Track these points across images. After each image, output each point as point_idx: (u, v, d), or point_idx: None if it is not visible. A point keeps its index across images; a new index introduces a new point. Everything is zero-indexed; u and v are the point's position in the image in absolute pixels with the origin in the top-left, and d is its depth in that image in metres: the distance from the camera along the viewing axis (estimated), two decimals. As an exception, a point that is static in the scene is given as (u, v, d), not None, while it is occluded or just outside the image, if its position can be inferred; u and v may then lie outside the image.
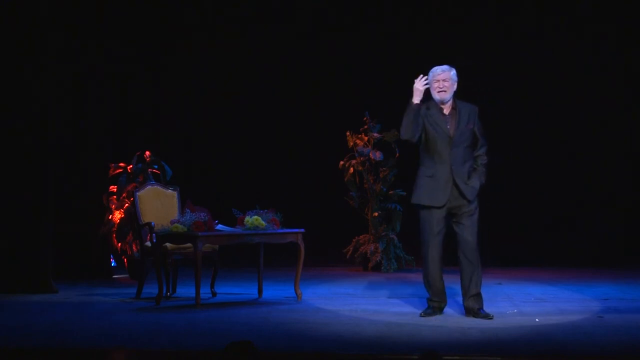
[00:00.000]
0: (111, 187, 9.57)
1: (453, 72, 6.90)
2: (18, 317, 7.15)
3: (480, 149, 6.94)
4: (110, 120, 10.03)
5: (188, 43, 11.22)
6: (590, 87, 11.00)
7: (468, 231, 6.84)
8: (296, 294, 7.94)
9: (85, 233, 9.59)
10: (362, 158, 10.34)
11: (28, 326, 6.66)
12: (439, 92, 6.86)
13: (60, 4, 9.01)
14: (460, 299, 7.05)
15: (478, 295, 6.89)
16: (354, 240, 10.46)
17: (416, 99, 6.76)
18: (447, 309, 7.06)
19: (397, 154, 10.25)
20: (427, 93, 6.91)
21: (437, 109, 6.87)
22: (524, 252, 10.83)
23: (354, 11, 11.20)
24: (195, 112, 11.36)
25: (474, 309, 6.85)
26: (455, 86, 6.90)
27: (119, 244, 9.40)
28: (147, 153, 9.59)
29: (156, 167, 9.55)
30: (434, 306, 6.97)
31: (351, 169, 10.39)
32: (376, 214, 10.38)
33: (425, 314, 6.93)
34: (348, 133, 10.37)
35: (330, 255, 10.58)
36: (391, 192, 10.41)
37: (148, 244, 7.96)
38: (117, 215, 9.40)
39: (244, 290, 8.58)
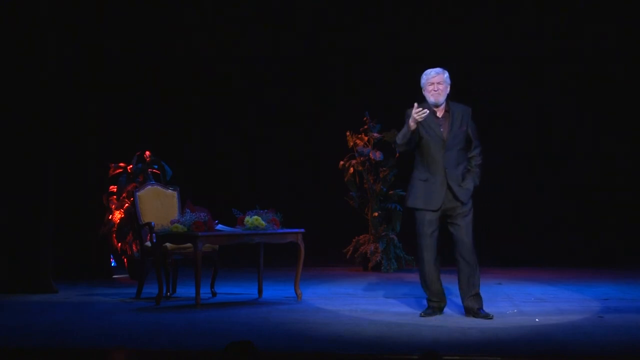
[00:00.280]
0: (111, 187, 9.58)
1: (446, 74, 6.90)
2: (18, 317, 7.15)
3: (474, 150, 6.95)
4: (110, 120, 10.02)
5: (188, 43, 11.22)
6: (590, 87, 11.00)
7: (463, 232, 6.85)
8: (296, 294, 7.94)
9: (85, 233, 9.59)
10: (362, 158, 10.34)
11: (28, 326, 6.66)
12: (433, 94, 6.85)
13: (60, 4, 9.01)
14: (459, 299, 7.04)
15: (477, 295, 6.89)
16: (354, 240, 10.46)
17: (412, 125, 6.73)
18: (447, 309, 7.06)
19: (397, 154, 10.25)
20: (421, 95, 6.93)
21: (431, 112, 6.87)
22: (524, 252, 10.83)
23: (354, 11, 11.20)
24: (195, 112, 11.36)
25: (473, 309, 6.86)
26: (448, 89, 6.90)
27: (119, 244, 9.40)
28: (147, 153, 9.59)
29: (156, 167, 9.55)
30: (434, 306, 6.97)
31: (351, 169, 10.39)
32: (376, 214, 10.38)
33: (425, 314, 6.94)
34: (348, 133, 10.37)
35: (330, 255, 10.58)
36: (391, 192, 10.41)
37: (148, 244, 7.96)
38: (117, 215, 9.40)
39: (244, 290, 8.58)
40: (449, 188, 6.81)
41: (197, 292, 7.51)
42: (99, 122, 9.84)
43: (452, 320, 6.77)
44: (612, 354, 5.64)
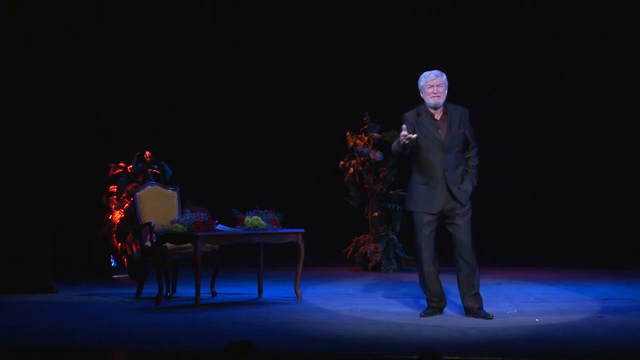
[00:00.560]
0: (111, 187, 9.58)
1: (445, 77, 6.91)
2: (18, 317, 7.15)
3: (471, 151, 6.95)
4: (110, 120, 10.03)
5: (188, 43, 11.23)
6: (590, 87, 11.01)
7: (462, 231, 6.84)
8: (296, 294, 7.94)
9: (85, 233, 9.59)
10: (362, 158, 10.34)
11: (28, 326, 6.66)
12: (432, 97, 6.85)
13: (60, 4, 9.01)
14: (459, 299, 7.04)
15: (477, 295, 6.89)
16: (354, 240, 10.46)
17: (400, 143, 6.74)
18: (447, 309, 7.06)
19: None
20: (419, 97, 6.93)
21: (428, 114, 6.87)
22: (524, 252, 10.83)
23: (354, 11, 11.20)
24: (195, 112, 11.37)
25: (473, 309, 6.86)
26: (446, 91, 6.90)
27: (119, 244, 9.40)
28: (147, 153, 9.59)
29: (156, 167, 9.55)
30: (434, 306, 6.97)
31: (351, 169, 10.39)
32: (376, 214, 10.38)
33: (425, 314, 6.94)
34: (348, 133, 10.37)
35: (330, 255, 10.58)
36: (391, 192, 10.41)
37: (148, 244, 7.96)
38: (117, 215, 9.40)
39: (244, 290, 8.58)
40: (449, 191, 6.82)
41: (197, 292, 7.51)
42: (99, 122, 9.84)
43: (452, 320, 6.77)
44: (612, 354, 5.64)
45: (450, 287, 7.23)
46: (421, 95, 6.91)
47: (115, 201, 9.48)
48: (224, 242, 7.80)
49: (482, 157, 7.01)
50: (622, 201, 10.99)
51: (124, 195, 9.42)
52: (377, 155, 10.21)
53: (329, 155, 10.61)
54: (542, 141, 11.12)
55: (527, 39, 11.00)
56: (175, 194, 8.44)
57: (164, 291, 7.90)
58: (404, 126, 6.69)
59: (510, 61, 10.98)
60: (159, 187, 8.46)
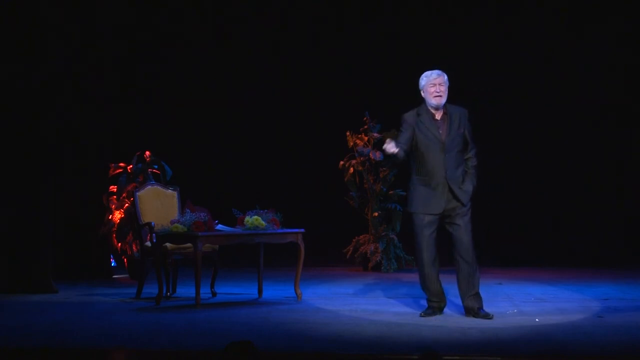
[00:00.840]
0: (111, 187, 9.58)
1: (446, 77, 6.91)
2: (18, 317, 7.15)
3: (470, 152, 6.95)
4: (110, 121, 10.02)
5: (188, 43, 11.23)
6: (590, 87, 11.01)
7: (462, 231, 6.84)
8: (296, 294, 7.94)
9: (85, 233, 9.59)
10: (362, 158, 10.34)
11: (28, 326, 6.66)
12: (435, 97, 6.85)
13: (60, 4, 9.01)
14: (459, 299, 7.04)
15: (477, 295, 6.89)
16: (354, 240, 10.46)
17: (388, 151, 6.73)
18: (447, 309, 7.06)
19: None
20: (419, 97, 6.94)
21: (429, 114, 6.87)
22: (524, 252, 10.84)
23: (354, 11, 11.20)
24: (195, 112, 11.36)
25: (473, 309, 6.85)
26: (447, 91, 6.90)
27: (119, 244, 9.40)
28: (147, 153, 9.59)
29: (156, 167, 9.55)
30: (434, 306, 6.97)
31: (351, 169, 10.39)
32: (376, 214, 10.38)
33: (425, 314, 6.94)
34: (348, 133, 10.38)
35: (330, 255, 10.58)
36: (391, 192, 10.42)
37: (148, 244, 7.96)
38: (117, 215, 9.40)
39: (244, 290, 8.58)
40: (450, 190, 6.81)
41: (197, 292, 7.51)
42: (99, 122, 9.83)
43: (452, 320, 6.77)
44: (612, 354, 5.64)
45: (450, 287, 7.22)
46: (422, 94, 6.91)
47: (115, 201, 9.48)
48: (224, 242, 7.80)
49: (482, 157, 7.01)
50: (622, 201, 11.00)
51: (124, 195, 9.42)
52: (377, 155, 10.21)
53: (329, 155, 10.61)
54: (542, 141, 11.13)
55: (527, 39, 11.00)
56: (175, 194, 8.44)
57: (164, 291, 7.90)
58: (387, 140, 6.70)
59: (510, 61, 10.98)
60: (159, 187, 8.46)
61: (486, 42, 10.99)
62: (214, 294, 8.20)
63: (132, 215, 8.65)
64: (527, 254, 10.80)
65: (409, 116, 6.90)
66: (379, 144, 10.31)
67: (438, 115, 6.89)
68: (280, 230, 7.80)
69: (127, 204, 9.32)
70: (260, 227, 7.67)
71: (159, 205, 8.26)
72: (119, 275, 9.83)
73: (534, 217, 11.11)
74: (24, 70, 8.59)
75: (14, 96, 8.60)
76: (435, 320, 6.78)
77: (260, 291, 8.17)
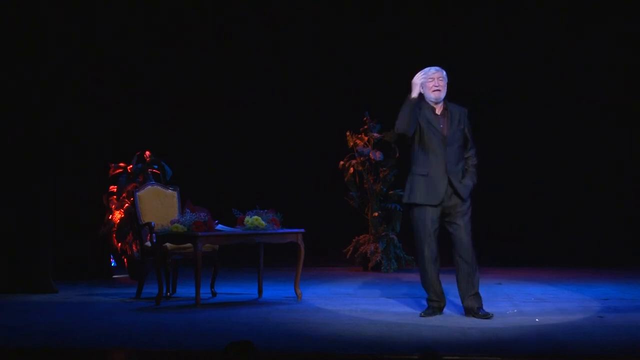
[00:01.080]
0: (111, 187, 9.58)
1: (444, 73, 6.94)
2: (18, 317, 7.15)
3: (470, 151, 6.97)
4: (110, 121, 10.02)
5: (188, 43, 11.23)
6: (590, 87, 11.01)
7: (462, 231, 6.84)
8: (296, 294, 7.94)
9: (85, 233, 9.59)
10: (362, 158, 10.34)
11: (28, 326, 6.66)
12: (434, 91, 6.87)
13: (60, 4, 9.01)
14: (459, 299, 7.03)
15: (477, 295, 6.89)
16: (354, 240, 10.46)
17: (414, 92, 6.78)
18: (447, 309, 7.06)
19: (398, 154, 10.25)
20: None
21: (430, 109, 6.88)
22: (524, 252, 10.84)
23: (354, 11, 11.20)
24: (195, 112, 11.36)
25: (473, 309, 6.85)
26: (446, 87, 6.91)
27: (119, 244, 9.40)
28: (147, 153, 9.59)
29: (156, 167, 9.55)
30: (434, 306, 6.97)
31: (351, 169, 10.39)
32: (376, 214, 10.38)
33: (425, 314, 6.93)
34: (348, 133, 10.38)
35: (330, 255, 10.58)
36: (391, 192, 10.41)
37: (148, 244, 7.96)
38: (117, 215, 9.40)
39: (244, 290, 8.58)
40: (450, 183, 6.82)
41: (197, 292, 7.51)
42: (99, 122, 9.83)
43: (452, 320, 6.76)
44: (612, 354, 5.63)
45: (450, 287, 7.22)
46: (421, 91, 6.92)
47: (115, 201, 9.48)
48: (224, 242, 7.80)
49: (482, 157, 7.02)
50: (623, 201, 10.99)
51: (124, 195, 9.42)
52: (377, 155, 10.21)
53: (329, 155, 10.61)
54: (542, 141, 11.13)
55: (527, 39, 11.00)
56: (175, 194, 8.44)
57: (164, 291, 7.90)
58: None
59: (510, 61, 10.98)
60: (159, 187, 8.46)
61: (486, 42, 10.99)
62: (214, 294, 8.20)
63: (132, 215, 8.65)
64: (527, 254, 10.80)
65: (414, 99, 6.88)
66: (378, 144, 10.33)
67: (438, 110, 6.91)
68: (280, 230, 7.80)
69: (127, 204, 9.32)
70: (260, 227, 7.67)
71: (159, 205, 8.26)
72: (119, 275, 9.83)
73: (534, 217, 11.11)
74: (24, 70, 8.59)
75: (14, 96, 8.59)
76: (435, 320, 6.77)
77: (260, 291, 8.17)
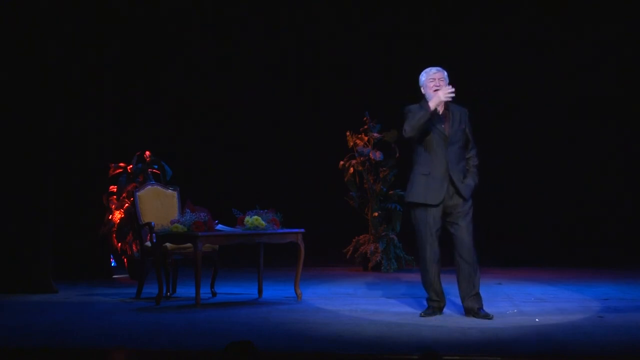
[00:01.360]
0: (111, 187, 9.58)
1: (445, 73, 6.95)
2: (18, 317, 7.15)
3: (471, 151, 6.98)
4: (110, 120, 10.02)
5: (188, 43, 11.23)
6: (590, 87, 11.01)
7: (463, 231, 6.84)
8: (296, 294, 7.94)
9: (85, 233, 9.59)
10: (362, 158, 10.34)
11: (28, 326, 6.66)
12: (435, 91, 6.87)
13: (60, 4, 9.01)
14: (459, 299, 7.03)
15: (477, 295, 6.89)
16: (354, 240, 10.46)
17: (433, 105, 6.75)
18: (447, 309, 7.06)
19: (398, 154, 10.25)
20: (419, 95, 6.94)
21: (449, 85, 6.89)
22: (524, 252, 10.84)
23: (354, 11, 11.20)
24: (195, 112, 11.37)
25: (474, 309, 6.85)
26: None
27: (119, 244, 9.40)
28: (147, 153, 9.59)
29: (156, 167, 9.55)
30: (434, 306, 6.97)
31: (351, 169, 10.39)
32: (376, 214, 10.38)
33: (425, 314, 6.93)
34: (348, 133, 10.37)
35: (330, 255, 10.58)
36: (391, 192, 10.42)
37: (148, 244, 7.96)
38: (117, 215, 9.40)
39: (244, 290, 8.58)
40: (451, 183, 6.82)
41: (197, 292, 7.51)
42: (99, 123, 9.83)
43: (452, 320, 6.76)
44: (612, 354, 5.64)
45: (450, 287, 7.23)
46: (422, 91, 6.93)
47: (115, 201, 9.48)
48: (224, 242, 7.80)
49: (482, 157, 7.02)
50: (622, 201, 10.99)
51: (124, 195, 9.42)
52: (377, 155, 10.21)
53: (329, 155, 10.61)
54: (542, 141, 11.13)
55: (527, 39, 11.00)
56: (175, 194, 8.44)
57: (164, 291, 7.90)
58: (448, 86, 6.75)
59: (510, 61, 10.98)
60: (159, 187, 8.46)
61: (486, 42, 10.99)
62: (214, 294, 8.20)
63: (132, 215, 8.65)
64: (527, 254, 10.80)
65: (414, 107, 6.90)
66: (378, 144, 10.33)
67: (440, 110, 6.90)
68: (280, 230, 7.80)
69: (127, 204, 9.32)
70: (260, 227, 7.67)
71: (159, 205, 8.26)
72: (119, 275, 9.83)
73: (534, 217, 11.11)
74: (24, 70, 8.59)
75: (14, 96, 8.59)
76: (435, 320, 6.77)
77: (260, 291, 8.17)
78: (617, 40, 10.90)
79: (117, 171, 9.58)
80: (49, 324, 6.78)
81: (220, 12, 11.22)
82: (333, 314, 7.13)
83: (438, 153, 6.84)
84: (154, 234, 7.77)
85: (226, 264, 8.91)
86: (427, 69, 6.96)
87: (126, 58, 10.42)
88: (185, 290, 8.28)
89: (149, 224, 7.92)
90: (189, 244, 7.63)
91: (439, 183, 6.82)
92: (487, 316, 6.79)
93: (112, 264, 10.02)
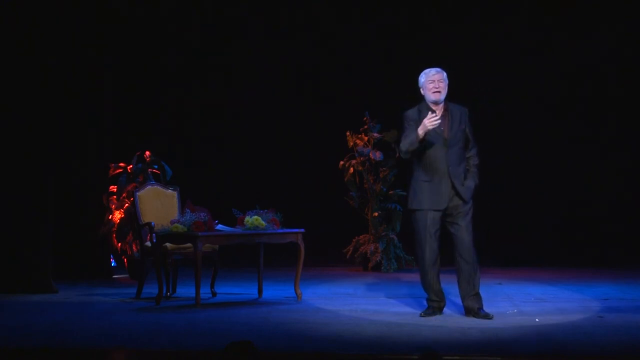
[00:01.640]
0: (111, 187, 9.58)
1: (445, 74, 6.94)
2: (18, 317, 7.15)
3: (471, 150, 6.96)
4: (110, 120, 10.02)
5: (188, 42, 11.23)
6: (590, 87, 11.01)
7: (463, 231, 6.84)
8: (296, 294, 7.94)
9: (85, 233, 9.59)
10: (362, 158, 10.34)
11: (28, 326, 6.66)
12: (434, 92, 6.87)
13: (60, 4, 9.01)
14: (459, 299, 7.04)
15: (477, 295, 6.89)
16: (354, 240, 10.46)
17: (422, 133, 6.72)
18: (447, 309, 7.06)
19: (398, 154, 10.24)
20: (419, 96, 6.94)
21: (430, 111, 6.87)
22: (524, 252, 10.84)
23: (354, 10, 11.20)
24: (195, 112, 11.37)
25: (474, 309, 6.85)
26: (446, 88, 6.91)
27: (119, 244, 9.40)
28: (147, 153, 9.59)
29: (156, 167, 9.55)
30: (434, 306, 6.97)
31: (351, 169, 10.39)
32: (376, 214, 10.38)
33: (425, 314, 6.93)
34: (348, 133, 10.37)
35: (330, 255, 10.58)
36: (391, 192, 10.42)
37: (148, 244, 7.96)
38: (117, 215, 9.40)
39: (244, 290, 8.58)
40: (452, 186, 6.82)
41: (197, 292, 7.51)
42: (99, 122, 9.83)
43: (452, 320, 6.77)
44: (612, 354, 5.64)
45: (450, 287, 7.23)
46: (422, 92, 6.93)
47: (115, 201, 9.48)
48: (224, 242, 7.80)
49: (482, 157, 7.02)
50: (622, 201, 10.99)
51: (124, 195, 9.42)
52: (377, 155, 10.21)
53: (329, 155, 10.61)
54: (542, 141, 11.13)
55: (527, 39, 11.00)
56: (175, 194, 8.44)
57: (164, 291, 7.90)
58: (430, 113, 6.69)
59: (510, 61, 10.98)
60: (159, 187, 8.46)
61: (486, 42, 10.99)
62: (214, 294, 8.20)
63: (132, 215, 8.65)
64: (527, 254, 10.80)
65: (411, 113, 6.91)
66: (378, 144, 10.33)
67: (438, 112, 6.89)
68: (280, 230, 7.80)
69: (127, 204, 9.32)
70: (260, 227, 7.67)
71: (159, 205, 8.26)
72: (119, 275, 9.83)
73: (534, 217, 11.11)
74: (24, 70, 8.58)
75: (14, 96, 8.59)
76: (435, 320, 6.78)
77: (260, 291, 8.17)
78: (617, 40, 10.90)
79: (117, 171, 9.58)
80: (49, 324, 6.78)
81: (220, 12, 11.22)
82: (333, 314, 7.13)
83: (437, 156, 6.83)
84: (154, 234, 7.77)
85: (226, 264, 8.91)
86: (427, 70, 6.95)
87: (126, 58, 10.42)
88: (185, 290, 8.28)
89: (149, 224, 7.92)
90: (189, 244, 7.63)
91: (442, 188, 6.81)
92: (487, 316, 6.79)
93: (112, 264, 10.02)
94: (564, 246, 10.89)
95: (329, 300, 7.92)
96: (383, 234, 10.34)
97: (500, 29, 11.01)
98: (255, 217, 7.67)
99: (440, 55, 9.88)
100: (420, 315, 6.92)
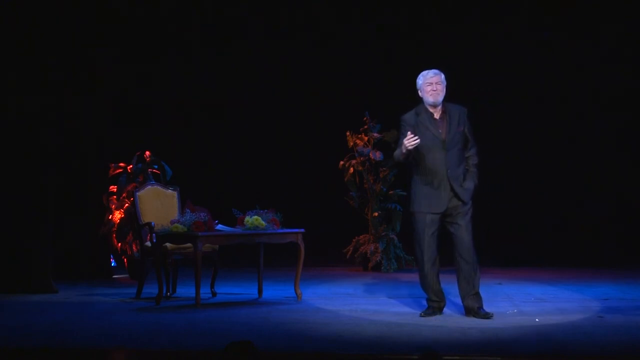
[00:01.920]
0: (111, 187, 9.58)
1: (443, 76, 6.93)
2: (18, 317, 7.15)
3: (471, 150, 6.96)
4: (110, 120, 10.02)
5: (188, 43, 11.23)
6: (590, 87, 11.01)
7: (463, 231, 6.84)
8: (296, 294, 7.94)
9: (85, 233, 9.59)
10: (362, 158, 10.34)
11: (28, 326, 6.66)
12: (431, 95, 6.85)
13: (60, 4, 9.01)
14: (459, 299, 7.04)
15: (477, 295, 6.89)
16: (354, 240, 10.46)
17: (405, 151, 6.72)
18: (447, 309, 7.06)
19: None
20: (418, 96, 6.94)
21: (428, 114, 6.87)
22: (524, 252, 10.84)
23: (354, 11, 11.20)
24: (195, 112, 11.37)
25: (473, 309, 6.85)
26: (445, 90, 6.90)
27: (119, 244, 9.40)
28: (147, 153, 9.59)
29: (156, 167, 9.55)
30: (434, 306, 6.97)
31: (351, 169, 10.39)
32: (376, 214, 10.38)
33: (425, 314, 6.93)
34: (348, 133, 10.37)
35: (330, 255, 10.58)
36: (391, 192, 10.42)
37: (148, 244, 7.96)
38: (117, 215, 9.40)
39: (244, 290, 8.58)
40: (452, 188, 6.81)
41: (197, 292, 7.51)
42: (99, 122, 9.83)
43: (452, 320, 6.77)
44: (612, 354, 5.64)
45: (450, 287, 7.23)
46: (420, 94, 6.92)
47: (115, 201, 9.48)
48: (224, 242, 7.80)
49: (482, 157, 7.01)
50: (622, 201, 10.99)
51: (124, 195, 9.42)
52: (377, 155, 10.21)
53: (329, 155, 10.61)
54: (542, 141, 11.13)
55: (527, 39, 11.00)
56: (175, 194, 8.44)
57: (164, 291, 7.90)
58: (409, 133, 6.67)
59: (510, 61, 10.98)
60: (159, 187, 8.46)
61: (486, 42, 10.99)
62: (214, 294, 8.20)
63: (132, 215, 8.65)
64: (527, 254, 10.80)
65: (408, 117, 6.90)
66: (378, 144, 10.33)
67: (437, 114, 6.89)
68: (280, 230, 7.80)
69: (127, 204, 9.32)
70: (260, 227, 7.67)
71: (159, 205, 8.26)
72: (119, 275, 9.83)
73: (534, 217, 11.11)
74: (24, 70, 8.58)
75: (14, 96, 8.59)
76: (435, 320, 6.77)
77: (260, 291, 8.17)
78: (617, 40, 10.90)
79: (117, 171, 9.58)
80: (49, 324, 6.78)
81: (220, 12, 11.22)
82: (333, 314, 7.13)
83: (436, 159, 6.82)
84: (154, 234, 7.77)
85: (226, 264, 8.91)
86: (424, 72, 6.93)
87: (126, 58, 10.41)
88: (185, 290, 8.28)
89: (149, 224, 7.92)
90: (189, 244, 7.63)
91: (441, 191, 6.81)
92: (487, 315, 6.79)
93: (112, 264, 10.02)
94: (564, 246, 10.88)
95: (329, 300, 7.92)
96: (383, 234, 10.34)
97: (500, 29, 11.01)
98: (255, 217, 7.67)
99: (440, 55, 9.91)
100: (420, 315, 6.92)
